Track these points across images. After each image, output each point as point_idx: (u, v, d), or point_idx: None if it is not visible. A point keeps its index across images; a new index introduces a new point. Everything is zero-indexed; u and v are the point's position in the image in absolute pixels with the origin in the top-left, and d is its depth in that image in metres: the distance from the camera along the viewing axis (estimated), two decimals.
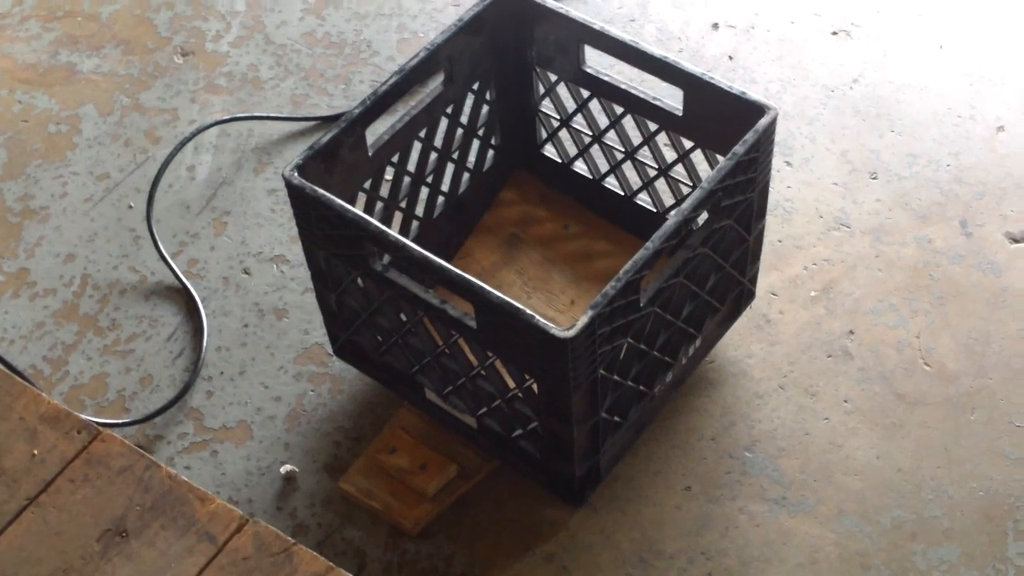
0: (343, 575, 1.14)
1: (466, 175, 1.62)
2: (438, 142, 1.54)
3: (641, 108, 1.50)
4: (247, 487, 1.51)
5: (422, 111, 1.49)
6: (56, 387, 1.60)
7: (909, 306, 1.63)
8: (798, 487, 1.48)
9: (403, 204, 1.54)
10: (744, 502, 1.47)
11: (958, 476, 1.48)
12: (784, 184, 1.76)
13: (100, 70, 1.96)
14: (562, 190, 1.68)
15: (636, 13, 1.99)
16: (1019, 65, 1.89)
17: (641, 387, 1.42)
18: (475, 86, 1.54)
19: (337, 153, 1.40)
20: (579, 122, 1.59)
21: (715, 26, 1.97)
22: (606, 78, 1.51)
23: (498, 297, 1.23)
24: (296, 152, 1.82)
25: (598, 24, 1.46)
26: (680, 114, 1.46)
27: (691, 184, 1.52)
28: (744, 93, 1.38)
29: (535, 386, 1.32)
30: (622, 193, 1.61)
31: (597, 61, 1.52)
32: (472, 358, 1.36)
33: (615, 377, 1.34)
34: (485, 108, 1.58)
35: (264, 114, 1.88)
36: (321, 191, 1.33)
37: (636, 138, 1.55)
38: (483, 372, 1.35)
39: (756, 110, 1.37)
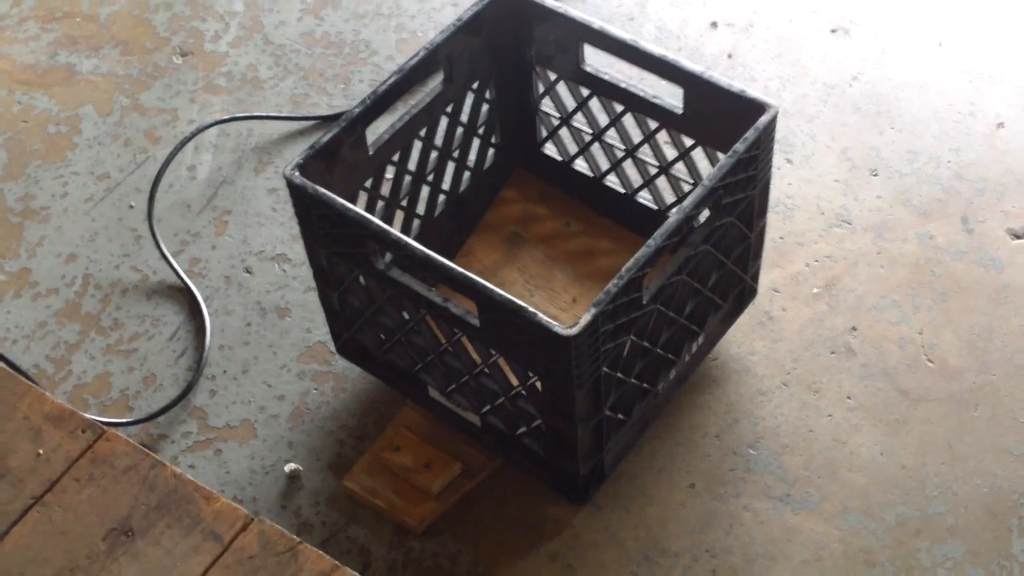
0: (349, 573, 1.14)
1: (467, 174, 1.62)
2: (438, 141, 1.54)
3: (641, 106, 1.50)
4: (251, 486, 1.51)
5: (422, 110, 1.49)
6: (59, 386, 1.60)
7: (911, 302, 1.64)
8: (802, 484, 1.48)
9: (404, 203, 1.54)
10: (748, 499, 1.47)
11: (962, 473, 1.49)
12: (785, 181, 1.76)
13: (99, 71, 1.96)
14: (563, 188, 1.68)
15: (635, 12, 1.99)
16: (1018, 62, 1.90)
17: (644, 385, 1.42)
18: (475, 85, 1.54)
19: (338, 152, 1.40)
20: (579, 120, 1.59)
21: (714, 24, 1.97)
22: (606, 77, 1.51)
23: (501, 295, 1.23)
24: (296, 151, 1.82)
25: (597, 23, 1.46)
26: (680, 112, 1.46)
27: (692, 182, 1.52)
28: (744, 91, 1.38)
29: (538, 384, 1.32)
30: (623, 191, 1.61)
31: (596, 60, 1.52)
32: (475, 356, 1.36)
33: (618, 375, 1.34)
34: (485, 107, 1.58)
35: (264, 114, 1.88)
36: (322, 190, 1.33)
37: (636, 136, 1.55)
38: (486, 370, 1.35)
39: (756, 108, 1.37)
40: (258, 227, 1.75)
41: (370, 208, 1.48)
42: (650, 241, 1.27)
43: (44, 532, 1.17)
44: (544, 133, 1.64)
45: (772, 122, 1.36)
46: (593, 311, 1.22)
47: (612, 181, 1.62)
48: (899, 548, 1.43)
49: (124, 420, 1.55)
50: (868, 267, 1.67)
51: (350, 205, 1.31)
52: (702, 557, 1.43)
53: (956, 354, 1.58)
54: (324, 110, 1.89)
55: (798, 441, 1.52)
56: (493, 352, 1.33)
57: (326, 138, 1.38)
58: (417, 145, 1.51)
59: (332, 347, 1.59)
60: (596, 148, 1.63)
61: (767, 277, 1.64)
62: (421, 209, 1.58)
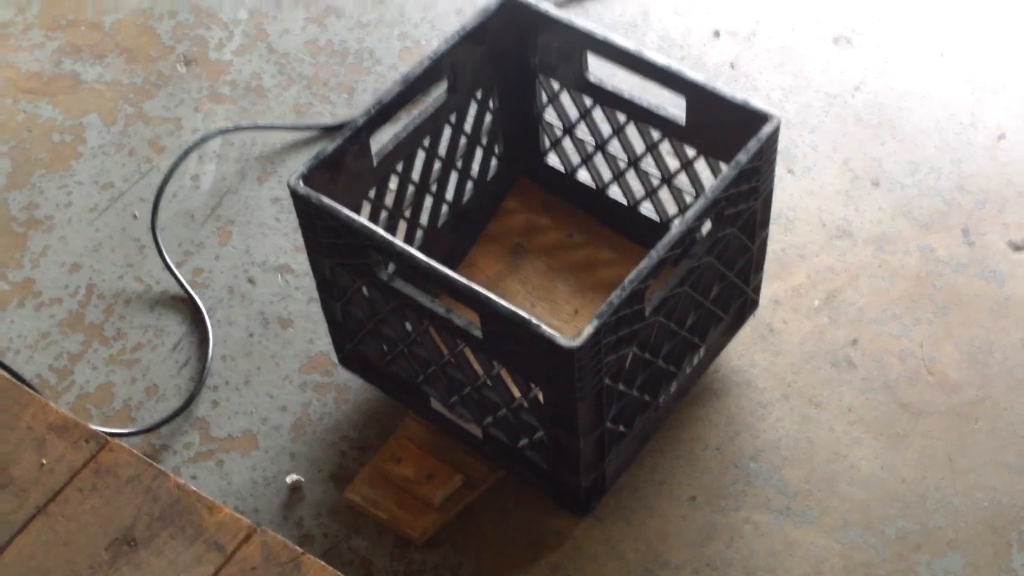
0: None
1: (470, 184, 1.63)
2: (442, 151, 1.54)
3: (644, 116, 1.50)
4: (253, 497, 1.51)
5: (426, 120, 1.49)
6: (62, 396, 1.60)
7: (912, 315, 1.64)
8: (803, 497, 1.48)
9: (407, 213, 1.55)
10: (749, 512, 1.48)
11: (962, 486, 1.49)
12: (786, 193, 1.76)
13: (103, 79, 1.96)
14: (565, 199, 1.68)
15: (638, 20, 2.00)
16: (1020, 73, 1.90)
17: (646, 397, 1.42)
18: (478, 94, 1.55)
19: (342, 162, 1.40)
20: (582, 131, 1.59)
21: (716, 34, 1.98)
22: (609, 86, 1.51)
23: (504, 307, 1.24)
24: (300, 161, 1.83)
25: (601, 32, 1.46)
26: (683, 122, 1.46)
27: (694, 193, 1.52)
28: (747, 101, 1.38)
29: (541, 395, 1.32)
30: (625, 202, 1.62)
31: (599, 69, 1.52)
32: (478, 368, 1.36)
33: (620, 387, 1.35)
34: (488, 117, 1.58)
35: (267, 123, 1.88)
36: (327, 200, 1.33)
37: (639, 146, 1.55)
38: (489, 382, 1.36)
39: (759, 118, 1.37)
40: (261, 237, 1.76)
41: (373, 218, 1.48)
42: (652, 253, 1.27)
43: (47, 542, 1.18)
44: (547, 143, 1.65)
45: (775, 133, 1.36)
46: (595, 323, 1.23)
47: (615, 192, 1.63)
48: (899, 562, 1.43)
49: (126, 430, 1.56)
50: (869, 279, 1.67)
51: (354, 215, 1.32)
52: (703, 570, 1.44)
53: (957, 367, 1.59)
54: (328, 119, 1.89)
55: (799, 454, 1.52)
56: (495, 364, 1.33)
57: (330, 148, 1.38)
58: (420, 155, 1.51)
59: (334, 358, 1.59)
60: (599, 159, 1.63)
61: (768, 289, 1.65)
62: (424, 219, 1.58)
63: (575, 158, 1.65)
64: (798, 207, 1.75)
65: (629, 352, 1.32)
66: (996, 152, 1.80)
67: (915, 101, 1.87)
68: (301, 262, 1.72)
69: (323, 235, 1.37)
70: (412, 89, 1.44)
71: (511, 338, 1.27)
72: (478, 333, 1.29)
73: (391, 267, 1.37)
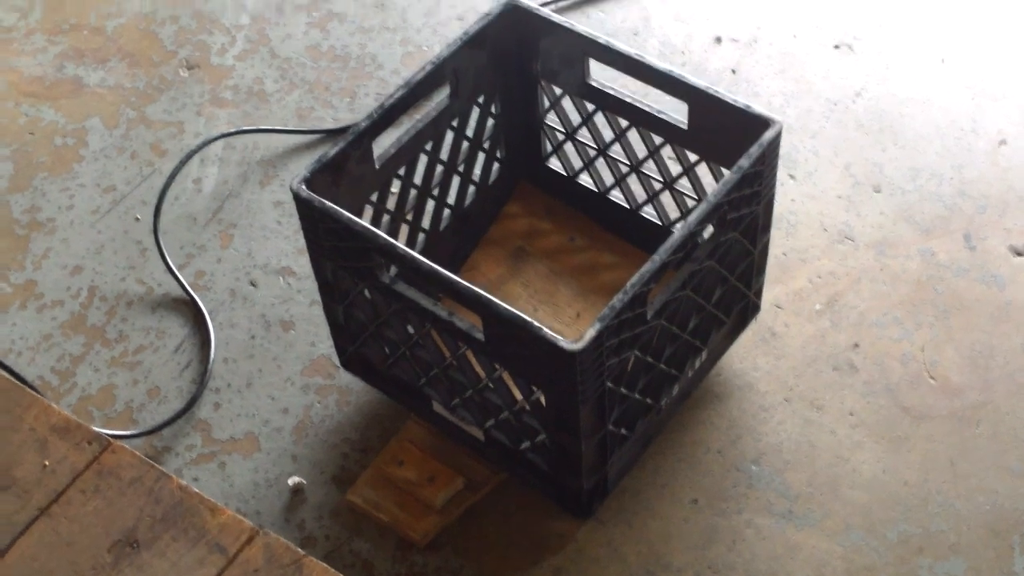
0: None
1: (472, 188, 1.63)
2: (444, 155, 1.55)
3: (646, 121, 1.50)
4: (255, 499, 1.51)
5: (428, 124, 1.49)
6: (64, 398, 1.61)
7: (913, 319, 1.64)
8: (804, 500, 1.49)
9: (409, 217, 1.55)
10: (751, 515, 1.48)
11: (964, 490, 1.49)
12: (788, 197, 1.76)
13: (106, 83, 1.97)
14: (567, 203, 1.68)
15: (639, 27, 2.00)
16: (1021, 79, 1.90)
17: (648, 400, 1.42)
18: (480, 99, 1.55)
19: (344, 166, 1.40)
20: (584, 135, 1.60)
21: (718, 40, 1.98)
22: (611, 91, 1.51)
23: (507, 310, 1.24)
24: (302, 165, 1.83)
25: (603, 38, 1.47)
26: (685, 127, 1.47)
27: (696, 197, 1.52)
28: (749, 106, 1.39)
29: (543, 398, 1.32)
30: (627, 206, 1.62)
31: (601, 74, 1.52)
32: (480, 370, 1.36)
33: (622, 390, 1.35)
34: (490, 121, 1.59)
35: (269, 127, 1.88)
36: (329, 204, 1.33)
37: (641, 151, 1.55)
38: (491, 384, 1.36)
39: (761, 123, 1.37)
40: (263, 240, 1.76)
41: (375, 222, 1.49)
42: (655, 256, 1.27)
43: (50, 543, 1.18)
44: (549, 148, 1.65)
45: (776, 138, 1.37)
46: (598, 326, 1.23)
47: (617, 196, 1.63)
48: (901, 565, 1.43)
49: (128, 432, 1.56)
50: (870, 284, 1.68)
51: (356, 219, 1.32)
52: (704, 573, 1.44)
53: (958, 371, 1.59)
54: (330, 124, 1.89)
55: (800, 457, 1.52)
56: (497, 366, 1.33)
57: (333, 152, 1.38)
58: (423, 159, 1.51)
59: (336, 361, 1.59)
60: (601, 163, 1.63)
61: (770, 293, 1.65)
62: (426, 223, 1.58)
63: (577, 162, 1.65)
64: (799, 212, 1.75)
65: (631, 355, 1.33)
66: (997, 158, 1.81)
67: (916, 107, 1.88)
68: (303, 265, 1.72)
69: (325, 238, 1.37)
70: (414, 94, 1.44)
71: (513, 341, 1.27)
72: (480, 336, 1.30)
73: (393, 270, 1.37)
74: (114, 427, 1.57)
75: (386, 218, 1.51)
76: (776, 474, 1.51)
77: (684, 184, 1.53)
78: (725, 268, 1.42)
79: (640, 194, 1.61)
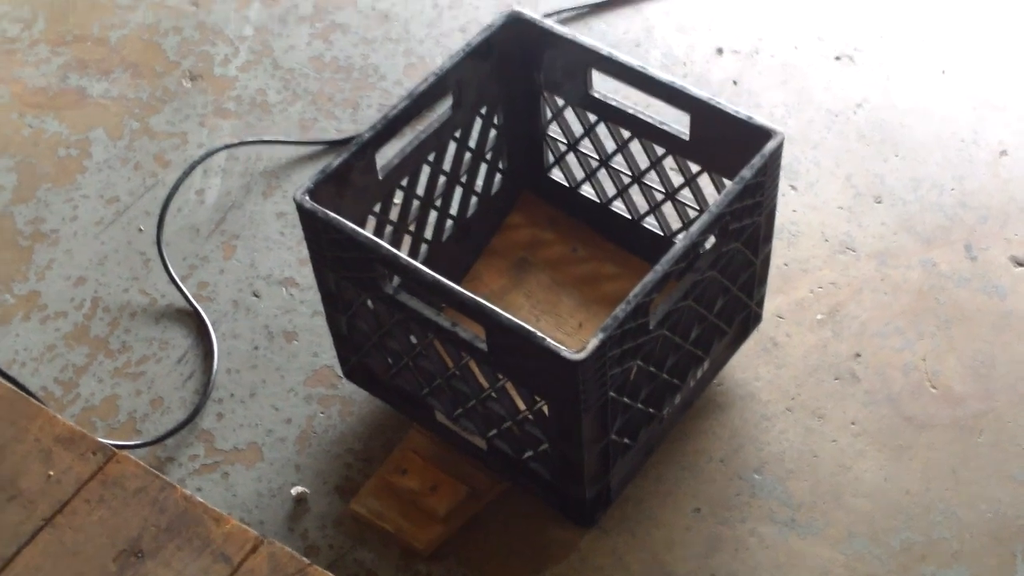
0: None
1: (474, 199, 1.63)
2: (447, 166, 1.55)
3: (648, 132, 1.51)
4: (258, 509, 1.51)
5: (431, 135, 1.50)
6: (67, 409, 1.61)
7: (915, 329, 1.64)
8: (807, 509, 1.49)
9: (412, 227, 1.55)
10: (754, 524, 1.48)
11: (966, 498, 1.49)
12: (789, 208, 1.77)
13: (109, 94, 1.97)
14: (569, 213, 1.69)
15: (641, 38, 2.01)
16: (1021, 90, 1.91)
17: (650, 409, 1.43)
18: (483, 110, 1.55)
19: (348, 177, 1.41)
20: (586, 146, 1.60)
21: (719, 51, 1.99)
22: (613, 103, 1.52)
23: (510, 320, 1.24)
24: (305, 176, 1.84)
25: (605, 49, 1.47)
26: (687, 138, 1.47)
27: (698, 208, 1.53)
28: (751, 117, 1.39)
29: (545, 408, 1.33)
30: (629, 217, 1.62)
31: (603, 85, 1.53)
32: (483, 380, 1.37)
33: (625, 399, 1.35)
34: (493, 132, 1.59)
35: (273, 138, 1.89)
36: (333, 215, 1.34)
37: (643, 162, 1.56)
38: (493, 394, 1.36)
39: (763, 134, 1.38)
40: (266, 251, 1.77)
41: (378, 232, 1.49)
42: (657, 267, 1.28)
43: (55, 554, 1.18)
44: (551, 158, 1.65)
45: (778, 148, 1.37)
46: (601, 336, 1.23)
47: (619, 207, 1.63)
48: (904, 573, 1.44)
49: (132, 443, 1.56)
50: (872, 294, 1.68)
51: (360, 230, 1.32)
52: None
53: (960, 381, 1.59)
54: (333, 135, 1.90)
55: (803, 466, 1.53)
56: (500, 376, 1.33)
57: (336, 163, 1.39)
58: (425, 170, 1.52)
59: (339, 371, 1.59)
60: (603, 174, 1.64)
61: (772, 303, 1.65)
62: (429, 234, 1.59)
63: (579, 173, 1.66)
64: (801, 222, 1.76)
65: (633, 365, 1.33)
66: (998, 168, 1.81)
67: (917, 118, 1.88)
68: (305, 275, 1.73)
69: (329, 249, 1.37)
70: (418, 105, 1.45)
71: (516, 351, 1.27)
72: (483, 346, 1.30)
73: (396, 281, 1.37)
74: (117, 438, 1.58)
75: (389, 229, 1.52)
76: (778, 483, 1.51)
77: (686, 195, 1.54)
78: (727, 278, 1.42)
79: (642, 205, 1.61)
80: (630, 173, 1.57)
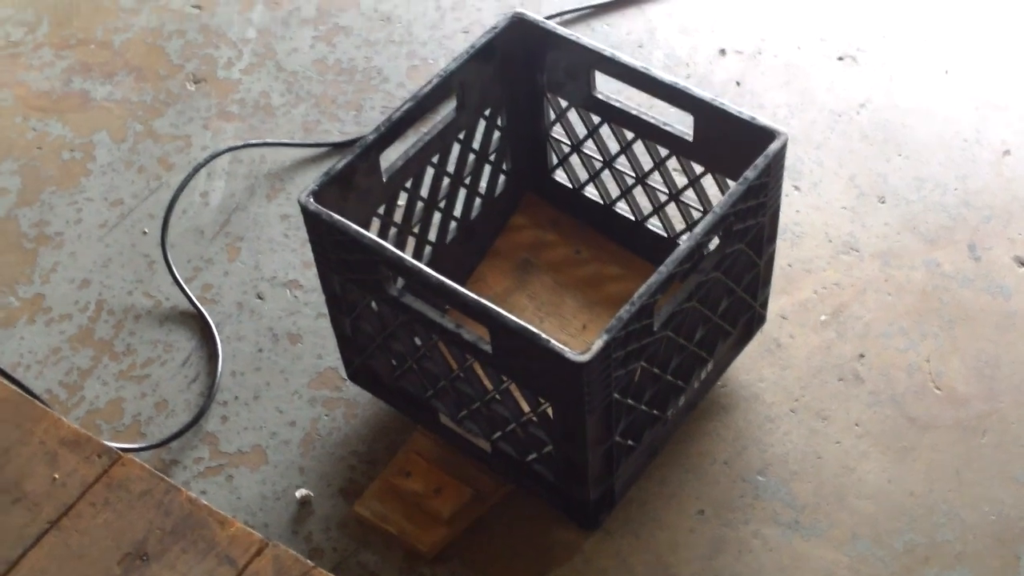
0: None
1: (478, 200, 1.64)
2: (450, 168, 1.55)
3: (651, 133, 1.51)
4: (262, 511, 1.52)
5: (435, 137, 1.50)
6: (72, 412, 1.61)
7: (919, 330, 1.64)
8: (811, 511, 1.49)
9: (416, 229, 1.56)
10: (757, 526, 1.48)
11: (970, 500, 1.49)
12: (793, 208, 1.77)
13: (113, 97, 1.97)
14: (573, 215, 1.69)
15: (644, 39, 2.01)
16: None
17: (654, 411, 1.43)
18: (486, 112, 1.56)
19: (352, 179, 1.41)
20: (590, 147, 1.60)
21: (722, 52, 1.99)
22: (616, 104, 1.52)
23: (514, 322, 1.24)
24: (308, 178, 1.84)
25: (608, 50, 1.47)
26: (690, 139, 1.47)
27: (702, 209, 1.53)
28: (754, 118, 1.39)
29: (550, 410, 1.33)
30: (633, 218, 1.62)
31: (606, 87, 1.53)
32: (487, 382, 1.37)
33: (629, 401, 1.35)
34: (496, 134, 1.59)
35: (276, 140, 1.89)
36: (337, 217, 1.34)
37: (647, 163, 1.56)
38: (498, 396, 1.36)
39: (766, 135, 1.38)
40: (270, 253, 1.77)
41: (382, 234, 1.49)
42: (661, 268, 1.28)
43: (60, 556, 1.18)
44: (555, 160, 1.66)
45: (782, 149, 1.37)
46: (605, 337, 1.23)
47: (622, 208, 1.63)
48: (907, 575, 1.44)
49: (136, 445, 1.56)
50: (876, 294, 1.68)
51: (364, 232, 1.33)
52: None
53: (963, 381, 1.59)
54: (336, 137, 1.90)
55: (806, 468, 1.53)
56: (505, 378, 1.33)
57: (341, 165, 1.39)
58: (429, 172, 1.52)
59: (343, 373, 1.60)
60: (606, 175, 1.64)
61: (775, 304, 1.65)
62: (433, 236, 1.59)
63: (583, 174, 1.66)
64: (804, 223, 1.76)
65: (638, 367, 1.33)
66: (1001, 168, 1.81)
67: (920, 118, 1.88)
68: (310, 278, 1.73)
69: (333, 251, 1.37)
70: (421, 107, 1.45)
71: (520, 353, 1.27)
72: (487, 348, 1.30)
73: (400, 283, 1.38)
74: (122, 440, 1.58)
75: (393, 231, 1.52)
76: (782, 484, 1.51)
77: (689, 196, 1.54)
78: (731, 279, 1.42)
79: (646, 206, 1.61)
80: (633, 174, 1.57)
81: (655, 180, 1.56)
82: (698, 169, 1.50)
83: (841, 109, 1.90)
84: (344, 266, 1.38)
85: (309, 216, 1.36)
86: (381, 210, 1.47)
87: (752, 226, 1.40)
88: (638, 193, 1.62)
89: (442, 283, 1.28)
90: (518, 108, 1.59)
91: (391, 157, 1.47)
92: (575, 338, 1.58)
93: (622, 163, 1.58)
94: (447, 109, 1.52)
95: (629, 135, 1.54)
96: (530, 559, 1.46)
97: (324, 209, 1.34)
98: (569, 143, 1.61)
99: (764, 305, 1.55)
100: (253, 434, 1.58)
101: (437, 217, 1.59)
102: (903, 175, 1.81)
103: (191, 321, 1.70)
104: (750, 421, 1.57)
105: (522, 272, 1.66)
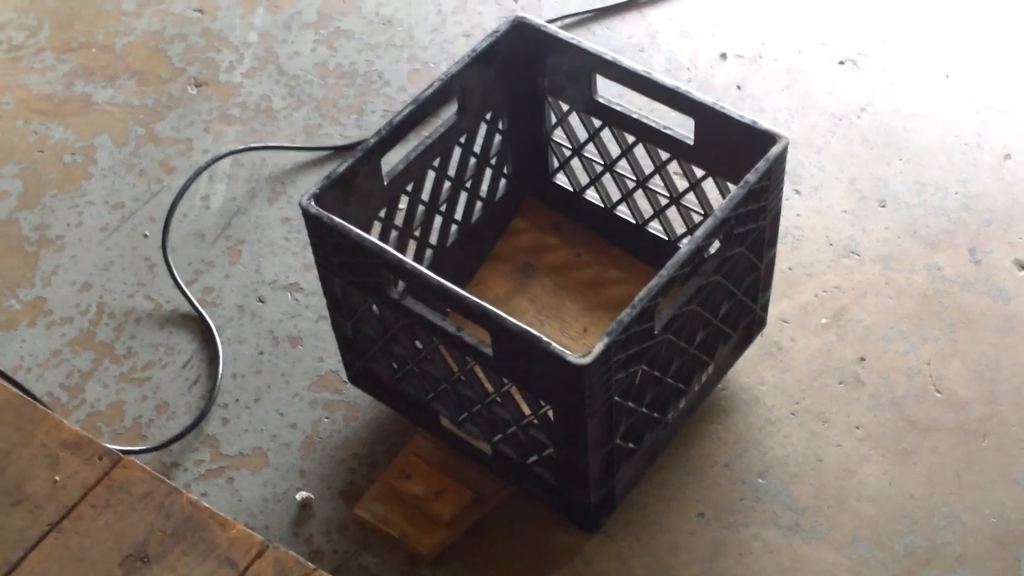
0: None
1: (479, 204, 1.64)
2: (451, 171, 1.55)
3: (652, 137, 1.51)
4: (263, 514, 1.52)
5: (436, 141, 1.50)
6: (73, 414, 1.61)
7: (919, 333, 1.65)
8: (811, 513, 1.49)
9: (417, 233, 1.56)
10: (758, 528, 1.48)
11: (970, 502, 1.49)
12: (793, 212, 1.77)
13: (115, 101, 1.98)
14: (574, 218, 1.69)
15: (645, 43, 2.01)
16: None
17: (655, 414, 1.43)
18: (488, 116, 1.56)
19: (353, 182, 1.41)
20: (591, 151, 1.61)
21: (723, 56, 1.99)
22: (617, 107, 1.52)
23: (515, 325, 1.25)
24: (309, 181, 1.84)
25: (609, 54, 1.48)
26: (691, 143, 1.48)
27: (702, 212, 1.53)
28: (755, 122, 1.40)
29: (550, 413, 1.33)
30: (634, 221, 1.63)
31: (607, 90, 1.53)
32: (487, 385, 1.37)
33: (629, 404, 1.35)
34: (498, 137, 1.60)
35: (277, 144, 1.89)
36: (338, 220, 1.34)
37: (647, 167, 1.56)
38: (498, 399, 1.37)
39: (767, 139, 1.38)
40: (271, 256, 1.77)
41: (383, 238, 1.49)
42: (662, 271, 1.28)
43: (61, 558, 1.18)
44: (556, 163, 1.66)
45: (783, 153, 1.37)
46: (606, 340, 1.23)
47: (623, 211, 1.64)
48: None
49: (137, 448, 1.56)
50: (876, 298, 1.68)
51: (365, 235, 1.33)
52: None
53: (964, 384, 1.59)
54: (337, 140, 1.90)
55: (807, 471, 1.53)
56: (505, 381, 1.34)
57: (342, 168, 1.39)
58: (430, 175, 1.52)
59: (344, 376, 1.60)
60: (607, 178, 1.64)
61: (776, 307, 1.65)
62: (434, 239, 1.59)
63: (583, 178, 1.66)
64: (805, 226, 1.76)
65: (638, 370, 1.33)
66: (1002, 172, 1.81)
67: (921, 122, 1.88)
68: (310, 281, 1.73)
69: (334, 254, 1.38)
70: (422, 110, 1.45)
71: (521, 356, 1.28)
72: (488, 351, 1.30)
73: (401, 286, 1.38)
74: (123, 443, 1.58)
75: (394, 234, 1.52)
76: (783, 487, 1.51)
77: (690, 199, 1.54)
78: (732, 283, 1.42)
79: (646, 209, 1.62)
80: (634, 178, 1.58)
81: (656, 184, 1.57)
82: (699, 173, 1.50)
83: (842, 113, 1.90)
84: (345, 269, 1.38)
85: (310, 219, 1.36)
86: (382, 213, 1.48)
87: (753, 230, 1.40)
88: (639, 197, 1.62)
89: (443, 286, 1.28)
90: (519, 112, 1.59)
91: (392, 161, 1.47)
92: (576, 341, 1.58)
93: (623, 167, 1.58)
94: (448, 113, 1.52)
95: (630, 139, 1.54)
96: (531, 561, 1.47)
97: (325, 212, 1.35)
98: (570, 147, 1.61)
99: (765, 308, 1.55)
100: (254, 436, 1.59)
101: (438, 220, 1.59)
102: (904, 179, 1.81)
103: (192, 324, 1.70)
104: (751, 424, 1.57)
105: (523, 275, 1.66)
